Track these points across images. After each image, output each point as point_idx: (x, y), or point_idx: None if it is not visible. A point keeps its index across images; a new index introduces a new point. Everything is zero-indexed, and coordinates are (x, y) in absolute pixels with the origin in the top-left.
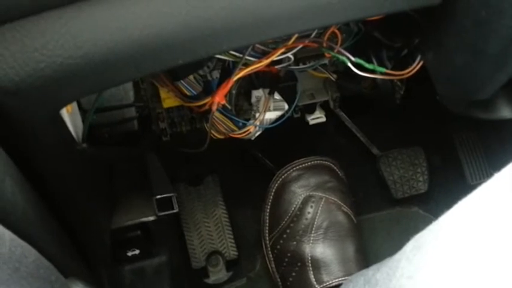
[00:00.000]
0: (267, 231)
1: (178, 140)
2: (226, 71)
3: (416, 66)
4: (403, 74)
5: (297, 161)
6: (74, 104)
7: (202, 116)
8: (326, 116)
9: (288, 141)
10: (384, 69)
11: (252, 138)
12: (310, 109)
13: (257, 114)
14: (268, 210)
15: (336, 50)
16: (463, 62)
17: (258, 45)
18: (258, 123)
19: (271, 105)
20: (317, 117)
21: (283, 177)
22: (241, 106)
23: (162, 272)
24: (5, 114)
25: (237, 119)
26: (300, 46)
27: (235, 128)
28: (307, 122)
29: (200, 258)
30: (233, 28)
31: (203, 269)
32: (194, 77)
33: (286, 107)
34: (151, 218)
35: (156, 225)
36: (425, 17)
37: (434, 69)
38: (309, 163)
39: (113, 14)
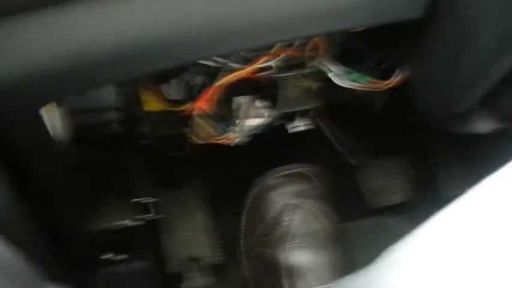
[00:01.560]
0: (242, 238)
1: (160, 143)
2: (210, 76)
3: (396, 78)
4: (383, 85)
5: (275, 168)
6: (55, 105)
7: (184, 121)
8: (306, 124)
9: (267, 148)
10: (365, 80)
11: (232, 145)
12: (291, 117)
13: (238, 121)
14: (244, 217)
15: (317, 60)
16: (441, 75)
17: (241, 53)
18: (238, 129)
19: (252, 112)
20: (297, 126)
21: (261, 184)
22: (222, 112)
23: (138, 276)
24: None
25: (217, 124)
26: (283, 55)
27: (216, 134)
28: (288, 130)
29: (177, 264)
30: (216, 35)
31: (178, 274)
32: (177, 82)
33: (267, 114)
34: (130, 222)
35: (134, 230)
36: (406, 30)
37: (414, 82)
38: (289, 171)
39: (96, 17)
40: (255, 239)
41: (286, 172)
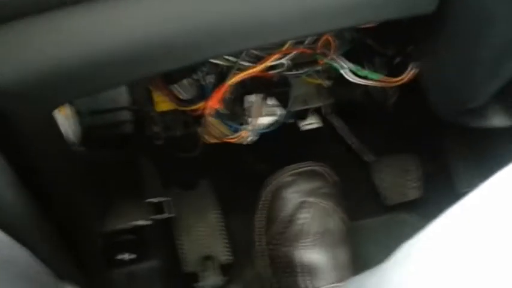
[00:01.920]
0: (257, 236)
1: (172, 143)
2: (221, 75)
3: (409, 73)
4: (395, 81)
5: (288, 166)
6: (69, 106)
7: (196, 120)
8: (318, 122)
9: (280, 146)
10: (377, 76)
11: (245, 143)
12: (303, 115)
13: (250, 119)
14: (259, 216)
15: (329, 57)
16: (456, 70)
17: (252, 51)
18: (250, 128)
19: (264, 110)
20: (309, 123)
21: (274, 182)
22: (234, 111)
23: (153, 276)
24: (0, 115)
25: (230, 123)
26: (294, 52)
27: (228, 133)
28: (300, 128)
29: (192, 263)
30: (227, 34)
31: (194, 273)
32: (188, 81)
33: (279, 112)
34: (143, 222)
35: (148, 230)
36: (418, 25)
37: (427, 77)
38: (301, 169)
39: (111, 17)
40: (269, 237)
41: (299, 170)
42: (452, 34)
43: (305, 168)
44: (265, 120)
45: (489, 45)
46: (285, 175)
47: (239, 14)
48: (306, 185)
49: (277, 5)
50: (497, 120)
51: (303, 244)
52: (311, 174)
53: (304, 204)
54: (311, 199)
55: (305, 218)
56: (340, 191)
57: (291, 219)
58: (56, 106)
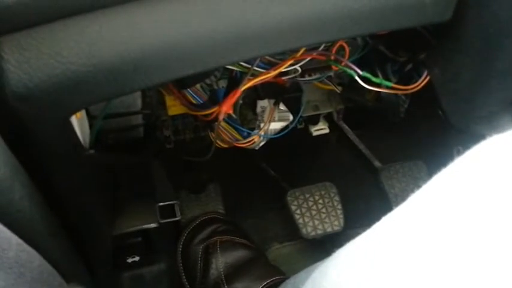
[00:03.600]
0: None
1: (182, 147)
2: (234, 80)
3: (422, 81)
4: (409, 89)
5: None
6: (83, 110)
7: (207, 125)
8: (329, 127)
9: (291, 151)
10: (390, 84)
11: (256, 148)
12: (314, 120)
13: (262, 124)
14: (182, 270)
15: (343, 63)
16: (470, 78)
17: (266, 57)
18: (262, 133)
19: (276, 115)
20: (320, 129)
21: (182, 242)
22: (246, 116)
23: (161, 279)
24: (17, 120)
25: (242, 128)
26: (308, 58)
27: (239, 138)
28: (311, 133)
29: None
30: (245, 41)
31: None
32: (201, 86)
33: (291, 117)
34: (153, 225)
35: (157, 233)
36: (433, 33)
37: (441, 84)
38: (197, 222)
39: (127, 24)
40: (198, 283)
41: (197, 222)
42: (466, 43)
43: (198, 221)
44: (276, 126)
45: (504, 55)
46: (186, 233)
47: (256, 22)
48: (205, 232)
49: (294, 13)
50: (508, 129)
51: (224, 280)
52: (206, 222)
53: (209, 245)
54: (212, 239)
55: (214, 257)
56: (236, 223)
57: (205, 266)
58: (72, 112)
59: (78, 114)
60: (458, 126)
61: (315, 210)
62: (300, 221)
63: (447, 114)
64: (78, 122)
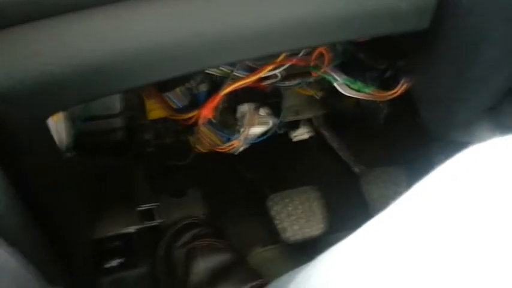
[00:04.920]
0: None
1: (162, 151)
2: (214, 85)
3: (401, 87)
4: (388, 95)
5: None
6: (61, 113)
7: (187, 129)
8: (309, 133)
9: (272, 157)
10: (369, 90)
11: (236, 153)
12: (295, 125)
13: (242, 129)
14: (163, 274)
15: (323, 70)
16: (447, 85)
17: (246, 62)
18: (242, 138)
19: (256, 120)
20: (301, 134)
21: (163, 246)
22: (226, 121)
23: (141, 283)
24: None
25: (222, 133)
26: (288, 64)
27: (219, 142)
28: (291, 139)
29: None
30: (224, 45)
31: None
32: (181, 90)
33: (271, 122)
34: (133, 229)
35: (137, 237)
36: (411, 41)
37: (418, 91)
38: (178, 226)
39: (108, 25)
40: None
41: (178, 227)
42: (443, 51)
43: (179, 226)
44: (257, 130)
45: (479, 63)
46: (167, 236)
47: (237, 26)
48: (184, 237)
49: (273, 18)
50: (484, 135)
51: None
52: (187, 227)
53: (190, 250)
54: (193, 244)
55: (195, 262)
56: (219, 228)
57: (186, 270)
58: (49, 114)
59: (56, 116)
60: (435, 133)
61: (294, 216)
62: (280, 226)
63: (425, 121)
64: (56, 125)
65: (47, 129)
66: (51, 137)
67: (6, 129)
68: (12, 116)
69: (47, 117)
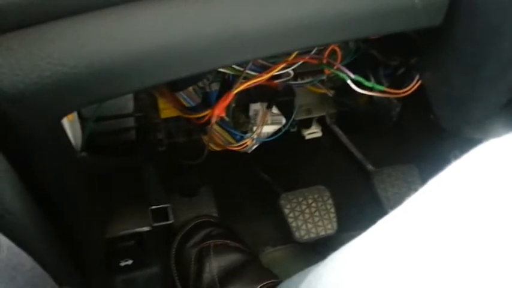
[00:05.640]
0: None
1: (175, 150)
2: (226, 84)
3: (414, 85)
4: (401, 93)
5: (181, 228)
6: (74, 113)
7: (200, 128)
8: (322, 131)
9: (284, 155)
10: (382, 87)
11: (249, 151)
12: (307, 124)
13: (254, 128)
14: (175, 273)
15: (335, 67)
16: (461, 82)
17: (258, 60)
18: (255, 136)
19: (269, 119)
20: (313, 132)
21: (175, 246)
22: (238, 119)
23: (154, 283)
24: (8, 121)
25: (234, 131)
26: (300, 62)
27: (232, 141)
28: (304, 137)
29: None
30: (237, 44)
31: None
32: (193, 89)
33: (284, 121)
34: (146, 229)
35: (150, 236)
36: (424, 37)
37: (432, 89)
38: (190, 225)
39: (120, 25)
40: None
41: (191, 226)
42: (457, 47)
43: (191, 225)
44: (269, 129)
45: (495, 59)
46: (180, 235)
47: (249, 25)
48: (198, 236)
49: (286, 16)
50: (500, 133)
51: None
52: (200, 226)
53: (202, 249)
54: (206, 243)
55: (208, 261)
56: (230, 227)
57: (198, 270)
58: (64, 114)
59: (70, 116)
60: (449, 130)
61: (308, 214)
62: (293, 224)
63: (438, 118)
64: (70, 124)
65: (62, 129)
66: (66, 137)
67: (22, 130)
68: (28, 116)
69: (62, 117)
